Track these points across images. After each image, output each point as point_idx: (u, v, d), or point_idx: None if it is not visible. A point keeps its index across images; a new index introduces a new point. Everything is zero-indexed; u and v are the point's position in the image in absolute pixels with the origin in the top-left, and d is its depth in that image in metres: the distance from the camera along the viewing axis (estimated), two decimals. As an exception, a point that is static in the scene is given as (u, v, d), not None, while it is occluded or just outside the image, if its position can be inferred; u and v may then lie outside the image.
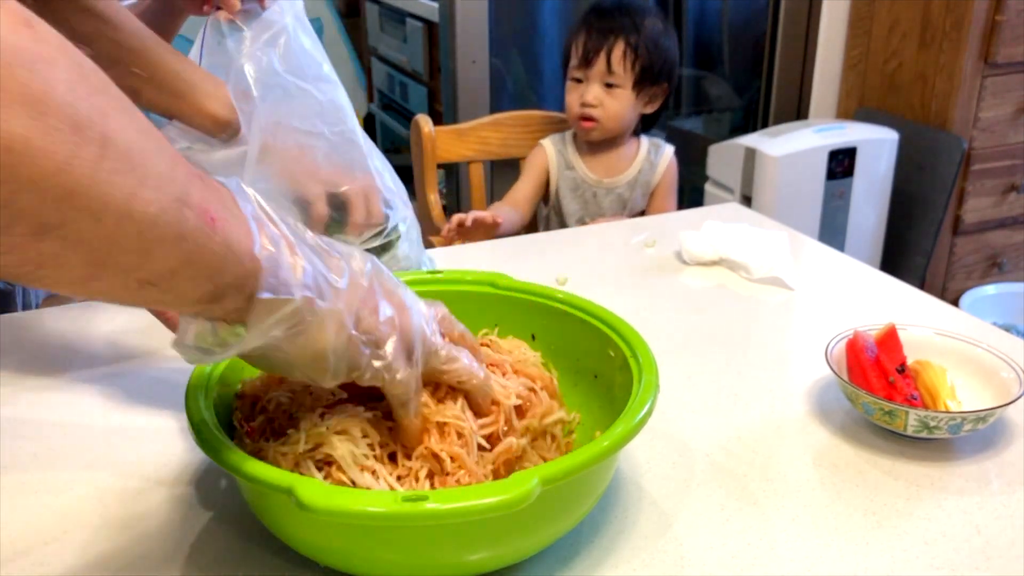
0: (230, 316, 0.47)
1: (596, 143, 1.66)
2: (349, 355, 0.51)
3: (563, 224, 1.69)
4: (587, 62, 1.60)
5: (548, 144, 1.70)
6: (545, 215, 1.74)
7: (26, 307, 1.05)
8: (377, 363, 0.52)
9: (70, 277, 0.39)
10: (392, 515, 0.48)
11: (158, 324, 0.72)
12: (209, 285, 0.44)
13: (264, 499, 0.55)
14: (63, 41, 0.37)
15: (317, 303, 0.48)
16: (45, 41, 0.36)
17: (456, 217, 1.42)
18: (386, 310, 0.53)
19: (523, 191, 1.69)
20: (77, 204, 0.36)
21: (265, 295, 0.46)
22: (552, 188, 1.69)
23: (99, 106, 0.37)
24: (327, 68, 0.79)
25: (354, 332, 0.51)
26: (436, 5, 2.38)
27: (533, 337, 0.73)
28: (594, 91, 1.60)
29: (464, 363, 0.58)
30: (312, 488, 0.48)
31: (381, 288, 0.54)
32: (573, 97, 1.63)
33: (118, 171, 0.38)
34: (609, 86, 1.60)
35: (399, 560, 0.53)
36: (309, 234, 0.52)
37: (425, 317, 0.57)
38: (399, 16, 2.79)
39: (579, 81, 1.63)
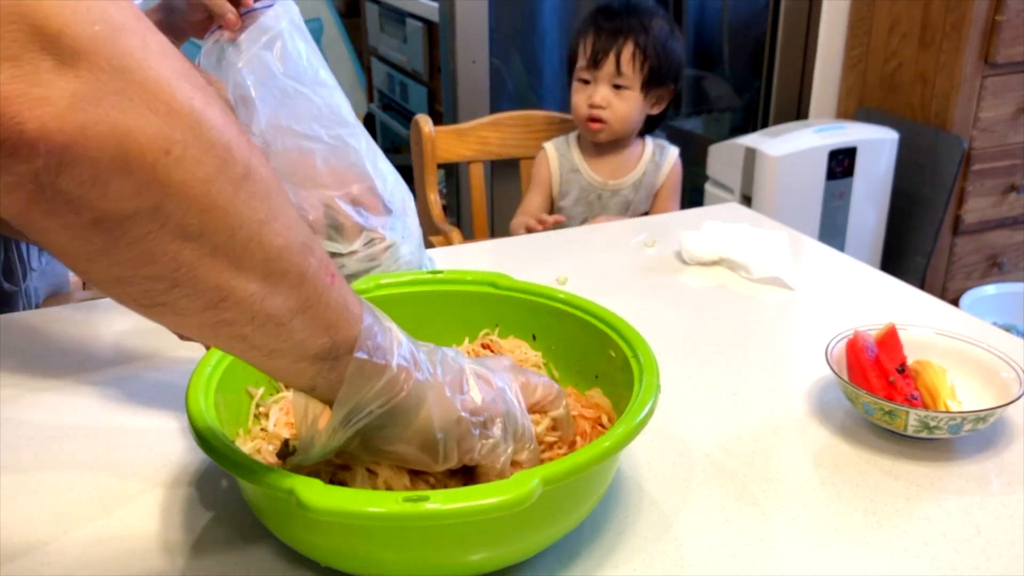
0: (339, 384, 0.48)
1: (602, 144, 1.66)
2: (459, 435, 0.52)
3: (567, 226, 1.69)
4: (596, 63, 1.60)
5: (550, 148, 1.70)
6: None
7: (30, 308, 1.05)
8: (488, 443, 0.54)
9: (201, 302, 0.41)
10: (392, 515, 0.47)
11: (159, 326, 0.72)
12: (326, 339, 0.46)
13: (265, 500, 0.55)
14: (206, 76, 0.42)
15: (416, 375, 0.50)
16: (196, 69, 0.40)
17: (544, 217, 1.56)
18: (487, 392, 0.55)
19: (536, 202, 1.70)
20: (218, 217, 0.39)
21: (361, 355, 0.48)
22: (555, 191, 1.69)
23: (245, 136, 0.41)
24: (324, 72, 0.79)
25: (463, 413, 0.52)
26: (436, 5, 2.38)
27: (534, 337, 0.73)
28: (602, 92, 1.60)
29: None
30: (313, 488, 0.48)
31: (473, 371, 0.55)
32: (580, 98, 1.63)
33: (256, 196, 0.41)
34: (617, 87, 1.60)
35: (400, 560, 0.53)
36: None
37: (516, 394, 0.58)
38: (399, 16, 2.79)
39: (586, 82, 1.62)
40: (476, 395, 0.54)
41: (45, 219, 0.36)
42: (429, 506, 0.47)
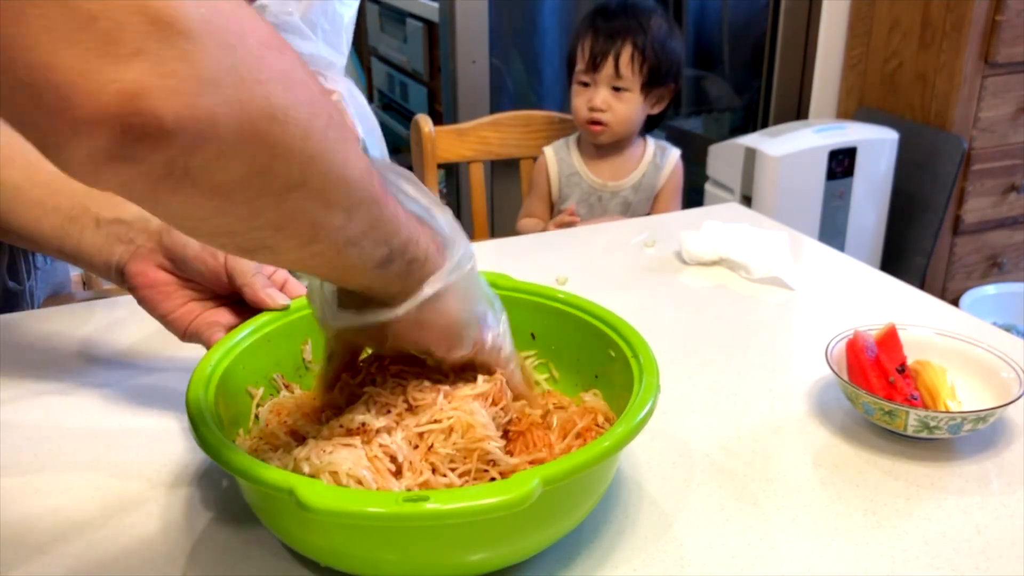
0: (392, 286, 0.53)
1: (603, 146, 1.66)
2: (479, 324, 0.59)
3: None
4: (594, 66, 1.59)
5: (549, 152, 1.69)
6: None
7: (34, 307, 1.05)
8: (492, 335, 0.61)
9: (299, 240, 0.45)
10: (393, 515, 0.47)
11: (159, 326, 0.72)
12: (386, 248, 0.50)
13: (265, 500, 0.55)
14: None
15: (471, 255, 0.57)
16: (275, 33, 0.41)
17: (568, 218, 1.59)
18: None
19: (539, 208, 1.70)
20: (314, 168, 0.42)
21: (445, 230, 0.55)
22: (555, 195, 1.69)
23: (320, 86, 0.43)
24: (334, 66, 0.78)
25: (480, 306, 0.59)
26: (436, 5, 2.38)
27: (533, 336, 0.73)
28: (602, 95, 1.59)
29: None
30: (313, 488, 0.48)
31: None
32: (580, 101, 1.62)
33: (338, 139, 0.44)
34: (617, 89, 1.59)
35: (399, 560, 0.53)
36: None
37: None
38: (399, 16, 2.79)
39: (586, 85, 1.62)
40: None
41: (168, 196, 0.38)
42: (429, 506, 0.47)
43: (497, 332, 0.62)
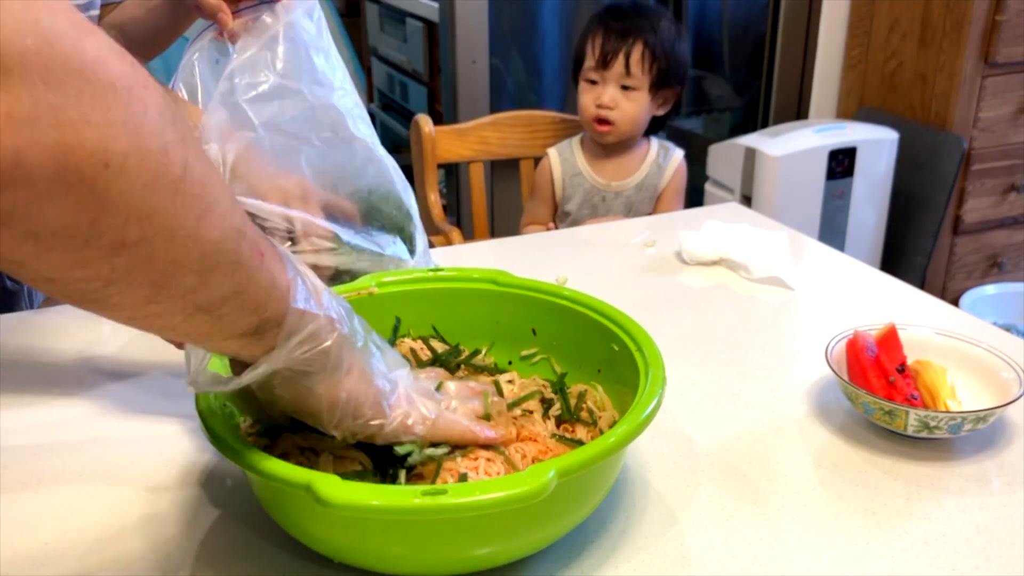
0: (263, 354, 0.49)
1: (607, 146, 1.66)
2: (370, 402, 0.54)
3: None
4: (605, 63, 1.59)
5: (553, 153, 1.69)
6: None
7: (32, 306, 1.05)
8: (395, 416, 0.55)
9: (133, 298, 0.41)
10: (411, 509, 0.48)
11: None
12: (254, 318, 0.47)
13: (279, 496, 0.55)
14: (145, 72, 0.39)
15: (342, 328, 0.51)
16: (138, 69, 0.38)
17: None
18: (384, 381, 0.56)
19: (542, 212, 1.70)
20: (157, 223, 0.38)
21: (299, 304, 0.49)
22: (559, 196, 1.69)
23: (180, 133, 0.39)
24: (329, 73, 0.78)
25: (376, 383, 0.54)
26: (436, 5, 2.38)
27: (534, 332, 0.73)
28: (611, 93, 1.59)
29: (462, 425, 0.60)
30: (330, 483, 0.48)
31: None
32: (588, 98, 1.62)
33: (194, 195, 0.40)
34: (625, 88, 1.59)
35: (412, 555, 0.54)
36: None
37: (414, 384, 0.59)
38: (399, 16, 2.79)
39: (594, 83, 1.62)
40: (400, 379, 0.56)
41: None
42: (448, 499, 0.48)
43: (403, 407, 0.56)
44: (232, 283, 0.44)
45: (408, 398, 0.56)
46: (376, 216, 0.81)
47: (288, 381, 0.51)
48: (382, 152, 0.82)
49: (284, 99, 0.76)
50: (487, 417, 0.61)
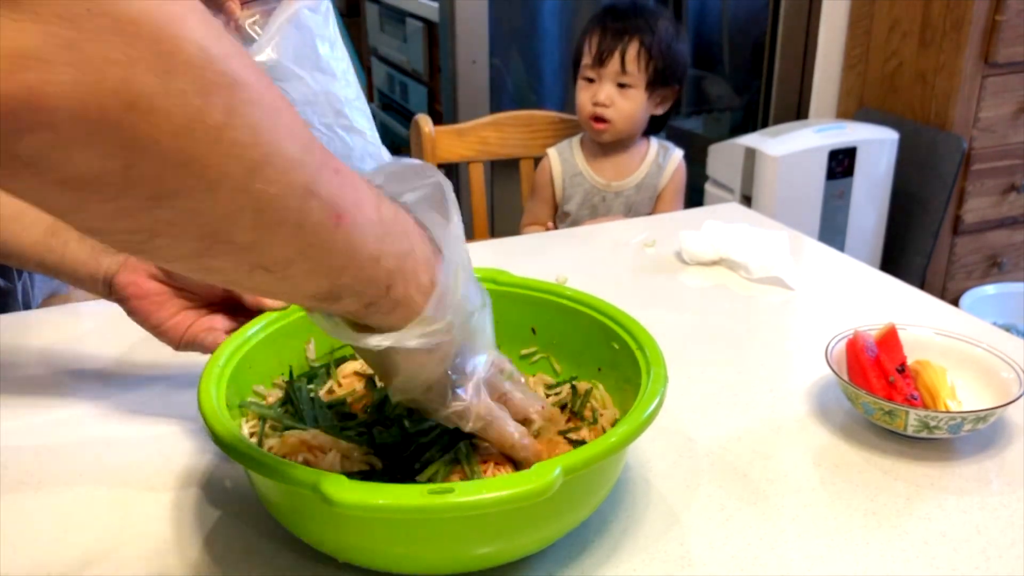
0: (346, 317, 0.47)
1: (606, 145, 1.66)
2: (438, 386, 0.53)
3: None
4: (600, 62, 1.60)
5: (553, 153, 1.70)
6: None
7: (26, 306, 1.05)
8: (455, 407, 0.54)
9: (183, 251, 0.39)
10: (419, 508, 0.48)
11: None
12: (326, 283, 0.44)
13: (284, 497, 0.55)
14: (196, 8, 0.36)
15: (456, 329, 0.50)
16: (170, 2, 0.34)
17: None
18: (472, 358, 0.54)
19: (542, 212, 1.70)
20: (194, 171, 0.35)
21: (430, 312, 0.48)
22: (559, 196, 1.69)
23: (230, 72, 0.36)
24: (334, 63, 0.78)
25: (449, 372, 0.53)
26: (436, 5, 2.38)
27: (533, 331, 0.73)
28: (607, 90, 1.60)
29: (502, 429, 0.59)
30: (337, 483, 0.48)
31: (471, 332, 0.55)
32: (585, 97, 1.63)
33: (241, 144, 0.36)
34: (622, 86, 1.60)
35: (416, 554, 0.54)
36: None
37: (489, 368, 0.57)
38: (399, 16, 2.79)
39: (591, 81, 1.63)
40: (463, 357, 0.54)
41: (7, 182, 0.33)
42: (454, 498, 0.48)
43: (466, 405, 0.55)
44: (296, 244, 0.41)
45: (476, 388, 0.55)
46: None
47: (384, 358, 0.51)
48: (382, 148, 0.82)
49: (287, 81, 0.76)
50: (535, 434, 0.61)
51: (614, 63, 1.59)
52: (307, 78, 0.77)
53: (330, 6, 0.79)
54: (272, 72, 0.75)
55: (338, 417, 0.64)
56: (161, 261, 0.41)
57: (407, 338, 0.48)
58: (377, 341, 0.48)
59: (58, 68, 0.31)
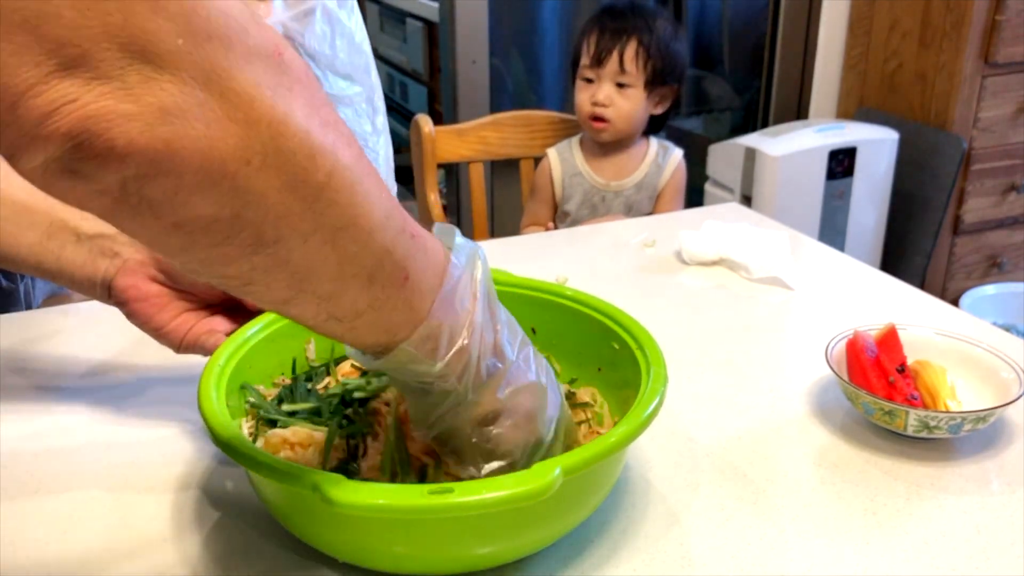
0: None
1: (606, 145, 1.66)
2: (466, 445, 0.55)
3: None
4: (599, 61, 1.60)
5: (553, 153, 1.70)
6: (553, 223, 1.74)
7: (28, 307, 1.05)
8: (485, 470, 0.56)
9: (273, 297, 0.43)
10: (419, 508, 0.48)
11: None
12: (385, 337, 0.48)
13: (283, 497, 0.55)
14: (307, 69, 0.40)
15: (450, 380, 0.51)
16: (284, 72, 0.39)
17: None
18: (507, 423, 0.55)
19: (542, 213, 1.70)
20: (292, 223, 0.40)
21: (409, 348, 0.49)
22: (558, 196, 1.69)
23: (331, 139, 0.40)
24: (344, 55, 0.78)
25: (472, 437, 0.54)
26: (436, 5, 2.38)
27: (533, 331, 0.73)
28: (605, 90, 1.60)
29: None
30: (338, 484, 0.48)
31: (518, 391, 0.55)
32: (584, 96, 1.63)
33: (336, 203, 0.41)
34: (620, 86, 1.60)
35: (416, 554, 0.54)
36: (507, 326, 0.56)
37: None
38: (399, 16, 2.79)
39: (590, 81, 1.63)
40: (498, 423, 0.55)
41: (128, 221, 0.38)
42: (454, 498, 0.48)
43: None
44: (368, 299, 0.45)
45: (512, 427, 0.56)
46: None
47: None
48: (381, 151, 0.82)
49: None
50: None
51: (612, 63, 1.59)
52: (320, 77, 0.77)
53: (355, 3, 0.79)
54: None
55: (332, 405, 0.64)
56: (252, 301, 0.47)
57: (402, 364, 0.50)
58: (380, 363, 0.50)
59: (191, 124, 0.35)
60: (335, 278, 0.43)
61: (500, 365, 0.54)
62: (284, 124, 0.38)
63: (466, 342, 0.51)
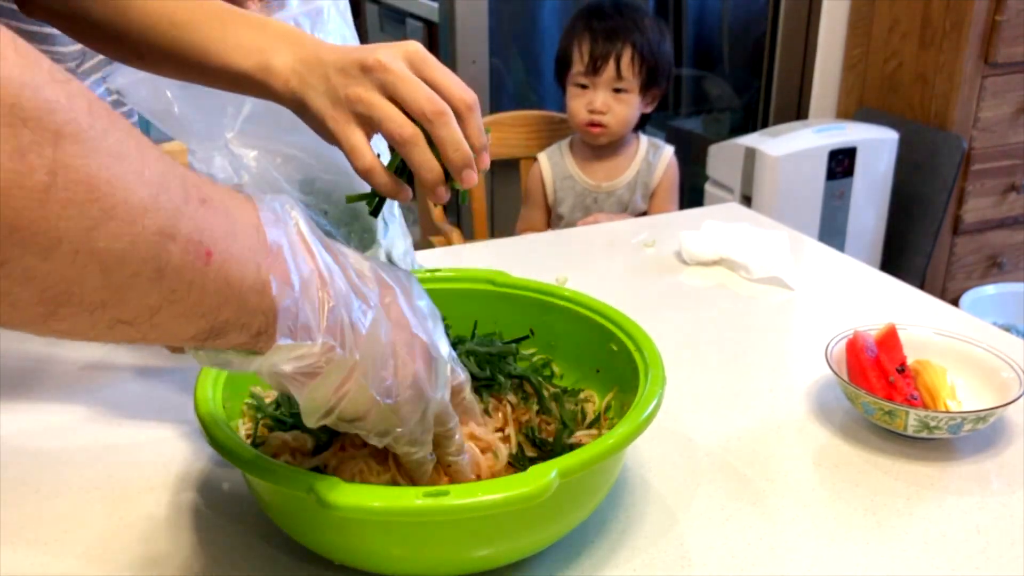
0: (238, 348, 0.43)
1: (598, 147, 1.65)
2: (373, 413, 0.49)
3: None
4: (595, 69, 1.58)
5: (543, 158, 1.69)
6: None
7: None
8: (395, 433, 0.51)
9: (25, 316, 0.35)
10: (414, 510, 0.48)
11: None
12: (203, 323, 0.40)
13: (280, 499, 0.55)
14: (14, 39, 0.32)
15: (336, 351, 0.45)
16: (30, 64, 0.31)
17: None
18: (410, 366, 0.50)
19: (537, 217, 1.70)
20: (19, 239, 0.32)
21: (285, 341, 0.43)
22: (551, 200, 1.69)
23: (52, 125, 0.32)
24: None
25: (377, 397, 0.48)
26: (436, 5, 2.38)
27: (532, 332, 0.73)
28: (603, 98, 1.58)
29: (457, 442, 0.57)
30: (333, 486, 0.48)
31: (409, 335, 0.50)
32: (578, 104, 1.61)
33: (73, 202, 0.33)
34: (617, 91, 1.59)
35: (413, 556, 0.54)
36: (352, 259, 0.49)
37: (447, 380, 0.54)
38: (399, 16, 2.79)
39: (584, 87, 1.61)
40: (399, 372, 0.49)
41: None
42: (450, 501, 0.48)
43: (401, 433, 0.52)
44: (159, 292, 0.37)
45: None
46: (319, 204, 0.79)
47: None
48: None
49: None
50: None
51: (609, 70, 1.57)
52: None
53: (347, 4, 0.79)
54: None
55: None
56: (6, 326, 0.36)
57: (280, 362, 0.44)
58: (256, 365, 0.44)
59: None
60: (104, 286, 0.35)
61: (368, 308, 0.47)
62: None
63: (332, 303, 0.45)
